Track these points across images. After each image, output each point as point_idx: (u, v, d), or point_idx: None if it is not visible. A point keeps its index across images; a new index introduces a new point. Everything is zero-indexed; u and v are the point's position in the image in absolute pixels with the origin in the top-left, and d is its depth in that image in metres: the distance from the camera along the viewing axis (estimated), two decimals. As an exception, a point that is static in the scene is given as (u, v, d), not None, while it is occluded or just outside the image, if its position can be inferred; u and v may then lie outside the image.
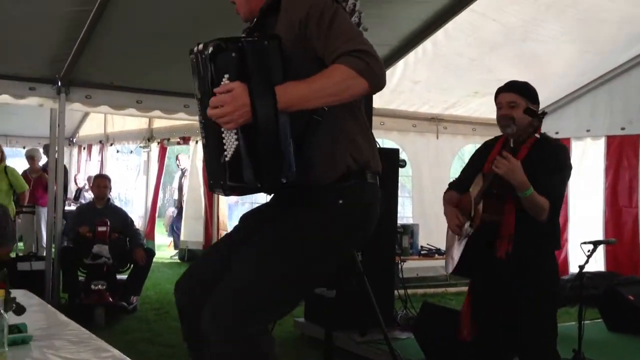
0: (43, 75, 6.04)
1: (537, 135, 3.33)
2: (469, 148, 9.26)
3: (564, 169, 3.54)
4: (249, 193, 2.40)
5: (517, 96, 3.49)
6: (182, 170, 11.69)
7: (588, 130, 7.91)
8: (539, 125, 3.30)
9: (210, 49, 2.08)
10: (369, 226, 2.33)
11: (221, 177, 2.14)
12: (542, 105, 7.89)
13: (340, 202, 2.22)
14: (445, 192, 3.84)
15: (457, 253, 3.66)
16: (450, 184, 3.89)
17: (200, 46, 2.12)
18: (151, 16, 5.35)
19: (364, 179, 2.27)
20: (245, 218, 2.51)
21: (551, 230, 3.50)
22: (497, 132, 3.69)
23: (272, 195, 2.45)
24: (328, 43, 2.12)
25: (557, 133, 7.91)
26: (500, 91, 3.60)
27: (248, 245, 2.27)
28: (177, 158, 12.08)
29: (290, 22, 2.19)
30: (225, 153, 2.10)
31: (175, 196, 12.30)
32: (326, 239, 2.25)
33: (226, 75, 2.07)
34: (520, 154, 3.44)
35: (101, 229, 6.34)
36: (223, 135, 2.10)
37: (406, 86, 7.61)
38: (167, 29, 5.45)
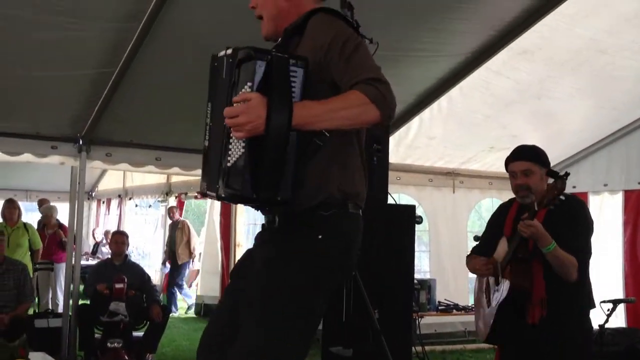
0: (64, 134, 6.16)
1: (563, 197, 3.33)
2: (486, 202, 9.25)
3: (587, 225, 3.52)
4: (242, 202, 2.37)
5: (530, 164, 3.51)
6: (174, 221, 11.37)
7: (605, 185, 7.88)
8: (563, 187, 3.31)
9: (241, 54, 2.10)
10: (351, 257, 2.34)
11: (217, 181, 2.16)
12: (558, 160, 8.01)
13: (320, 237, 2.23)
14: (467, 258, 3.84)
15: (486, 320, 3.62)
16: (473, 250, 3.88)
17: (229, 50, 2.15)
18: (170, 78, 5.47)
19: (345, 209, 2.28)
20: (239, 267, 2.52)
21: (583, 289, 3.46)
22: None
23: (259, 233, 2.47)
24: (347, 70, 2.16)
25: (574, 187, 7.89)
26: (511, 160, 3.60)
27: (247, 306, 2.27)
28: (171, 210, 11.60)
29: (313, 46, 2.23)
30: (229, 158, 2.12)
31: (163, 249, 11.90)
32: (314, 282, 2.25)
33: (249, 84, 2.08)
34: (540, 213, 3.44)
35: (118, 286, 6.36)
36: (230, 141, 2.12)
37: (422, 142, 7.66)
38: (186, 89, 5.56)
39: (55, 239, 9.09)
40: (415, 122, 7.16)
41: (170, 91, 5.70)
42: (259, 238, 2.47)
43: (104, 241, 12.37)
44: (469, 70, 6.16)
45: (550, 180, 3.49)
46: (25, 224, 8.06)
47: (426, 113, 7.02)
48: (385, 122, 2.19)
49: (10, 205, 8.26)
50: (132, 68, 5.22)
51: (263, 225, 2.46)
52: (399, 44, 5.46)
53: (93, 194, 14.36)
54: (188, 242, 10.97)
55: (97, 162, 6.54)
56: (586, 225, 3.52)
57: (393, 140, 6.79)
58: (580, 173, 7.99)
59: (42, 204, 10.16)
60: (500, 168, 8.04)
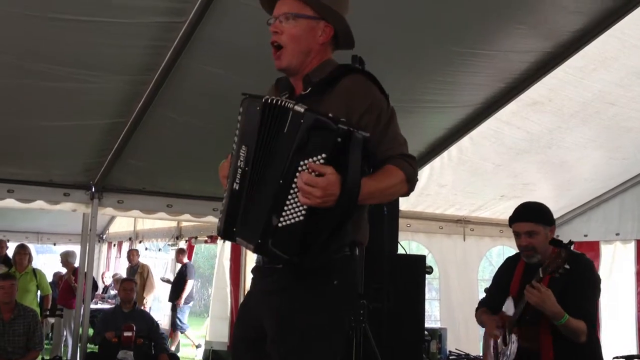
0: (77, 181, 6.21)
1: (567, 266, 3.31)
2: (497, 250, 9.20)
3: (595, 286, 3.51)
4: (281, 262, 2.27)
5: (533, 224, 3.51)
6: (133, 265, 11.07)
7: (617, 234, 7.84)
8: (567, 256, 3.30)
9: (312, 119, 2.10)
10: (356, 296, 2.46)
11: (260, 236, 2.15)
12: (569, 209, 7.97)
13: (335, 282, 2.29)
14: (476, 311, 3.83)
15: None
16: (480, 302, 3.88)
17: (297, 107, 2.13)
18: (182, 128, 5.54)
19: (353, 253, 2.35)
20: (245, 324, 2.49)
21: (591, 349, 3.43)
22: None
23: (258, 274, 2.45)
24: (383, 140, 2.27)
25: (585, 236, 7.88)
26: (515, 220, 3.60)
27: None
28: (131, 253, 11.11)
29: (347, 106, 2.26)
30: (282, 219, 2.12)
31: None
32: (340, 326, 2.36)
33: (323, 155, 2.09)
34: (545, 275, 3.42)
35: (127, 334, 6.35)
36: (288, 200, 2.12)
37: (432, 189, 7.67)
38: (197, 139, 5.63)
39: (68, 285, 9.10)
40: (426, 170, 7.17)
41: (182, 140, 5.76)
42: (261, 281, 2.43)
43: (113, 285, 12.35)
44: (479, 121, 6.20)
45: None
46: (34, 270, 8.09)
47: (437, 161, 7.05)
48: (408, 195, 2.34)
49: (21, 250, 8.30)
50: (145, 118, 5.29)
51: (261, 266, 2.44)
52: (410, 95, 5.52)
53: (104, 236, 14.39)
54: (143, 288, 10.59)
55: (109, 209, 6.58)
56: (594, 288, 3.51)
57: (403, 187, 6.80)
58: (592, 222, 7.96)
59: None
60: (511, 217, 8.15)
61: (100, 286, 12.94)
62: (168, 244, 12.35)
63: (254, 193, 2.21)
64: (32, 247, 11.41)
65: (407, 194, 2.32)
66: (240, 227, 2.25)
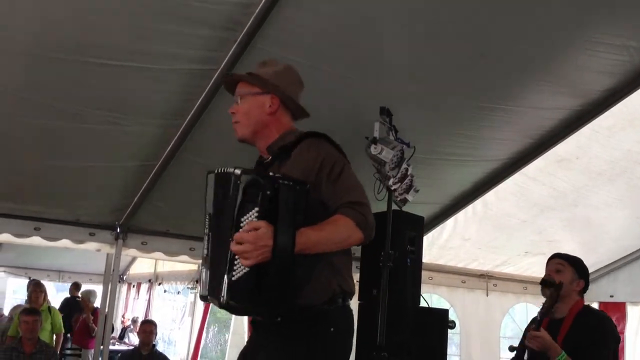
0: (103, 222, 6.26)
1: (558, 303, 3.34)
2: (520, 307, 9.04)
3: (607, 342, 3.49)
4: (243, 314, 2.55)
5: (565, 262, 3.55)
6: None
7: (644, 295, 7.70)
8: (557, 296, 3.36)
9: (248, 179, 2.29)
10: (349, 343, 2.59)
11: (221, 293, 2.30)
12: (595, 268, 7.87)
13: (332, 329, 2.47)
14: None
15: None
16: None
17: (237, 170, 2.32)
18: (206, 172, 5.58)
19: (345, 304, 2.56)
20: None
21: None
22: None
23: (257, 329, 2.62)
24: (334, 191, 2.48)
25: (611, 297, 7.74)
26: (550, 258, 3.66)
27: None
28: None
29: (305, 167, 2.48)
30: (233, 273, 2.28)
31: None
32: None
33: (255, 209, 2.27)
34: (563, 327, 3.43)
35: (145, 377, 6.30)
36: (236, 258, 2.27)
37: (455, 243, 7.61)
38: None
39: (85, 324, 9.09)
40: (450, 223, 7.14)
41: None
42: (255, 335, 2.60)
43: (131, 327, 12.32)
44: (505, 176, 6.18)
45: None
46: (49, 307, 8.11)
47: (461, 214, 7.01)
48: (367, 242, 2.48)
49: (37, 288, 8.36)
50: (173, 162, 5.34)
51: (256, 322, 2.62)
52: (436, 148, 5.54)
53: (124, 277, 14.42)
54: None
55: (133, 249, 6.60)
56: (607, 343, 3.53)
57: (427, 240, 6.76)
58: (618, 282, 7.82)
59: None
60: (535, 273, 8.05)
61: (119, 327, 12.92)
62: (187, 287, 12.33)
63: (214, 255, 2.42)
64: (52, 285, 11.51)
65: (364, 240, 2.44)
66: (209, 289, 2.44)
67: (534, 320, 3.55)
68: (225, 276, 2.28)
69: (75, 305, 9.68)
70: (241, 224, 2.28)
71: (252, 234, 2.23)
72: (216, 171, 2.50)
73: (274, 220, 2.26)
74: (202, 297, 2.54)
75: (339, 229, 2.40)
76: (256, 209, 2.26)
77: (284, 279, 2.30)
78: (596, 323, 3.50)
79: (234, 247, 2.25)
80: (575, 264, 3.66)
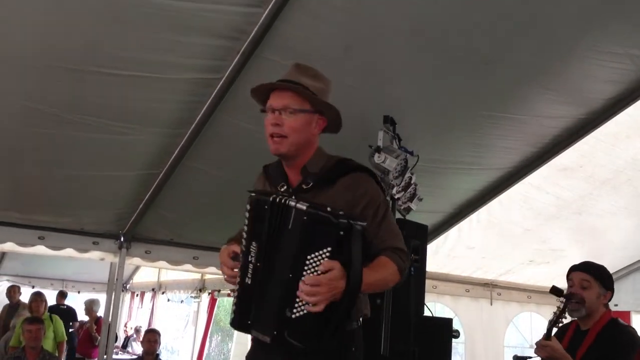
0: (107, 231, 6.26)
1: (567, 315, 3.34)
2: (524, 316, 9.01)
3: (630, 354, 3.43)
4: (292, 349, 2.37)
5: (591, 277, 3.50)
6: (13, 304, 9.84)
7: (649, 304, 7.68)
8: (565, 307, 3.35)
9: (317, 216, 2.25)
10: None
11: (275, 328, 2.28)
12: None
13: (354, 349, 2.51)
14: None
15: None
16: None
17: (300, 204, 2.28)
18: (212, 181, 5.59)
19: (358, 323, 2.59)
20: None
21: None
22: (554, 301, 3.66)
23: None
24: (379, 233, 2.50)
25: (616, 305, 7.69)
26: (573, 269, 3.60)
27: None
28: (12, 290, 9.86)
29: (350, 200, 2.45)
30: (294, 310, 2.25)
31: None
32: None
33: (327, 249, 2.23)
34: (587, 339, 3.40)
35: (148, 386, 6.28)
36: (298, 294, 2.24)
37: (460, 251, 7.60)
38: (226, 193, 5.66)
39: (88, 333, 9.07)
40: (454, 231, 7.13)
41: (211, 193, 5.80)
42: (267, 355, 2.50)
43: (134, 336, 12.30)
44: (509, 184, 6.18)
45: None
46: (50, 316, 8.11)
47: (465, 223, 7.00)
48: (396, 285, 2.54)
49: (37, 297, 8.37)
50: (176, 170, 5.35)
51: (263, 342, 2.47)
52: (440, 157, 5.54)
53: (128, 286, 14.40)
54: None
55: (136, 258, 6.59)
56: (630, 355, 3.44)
57: (430, 248, 6.75)
58: (622, 291, 7.79)
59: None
60: (539, 282, 8.04)
61: (122, 336, 12.89)
62: (191, 296, 12.32)
63: (266, 288, 2.36)
64: (55, 294, 11.48)
65: (397, 284, 2.53)
66: (255, 320, 2.40)
67: (581, 336, 3.51)
68: (287, 311, 2.27)
69: (61, 313, 9.46)
70: (307, 262, 2.25)
71: (326, 276, 2.21)
72: (271, 199, 2.38)
73: (346, 262, 2.24)
74: (241, 328, 2.48)
75: (389, 273, 2.46)
76: (328, 248, 2.23)
77: (346, 317, 2.35)
78: (621, 337, 3.42)
79: (305, 288, 2.21)
80: (601, 277, 3.55)
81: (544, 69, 4.60)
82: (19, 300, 9.93)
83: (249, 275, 2.39)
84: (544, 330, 3.46)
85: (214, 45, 3.98)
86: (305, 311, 2.24)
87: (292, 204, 2.31)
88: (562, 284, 3.74)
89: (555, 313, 3.41)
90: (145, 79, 4.17)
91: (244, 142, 5.02)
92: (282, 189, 2.56)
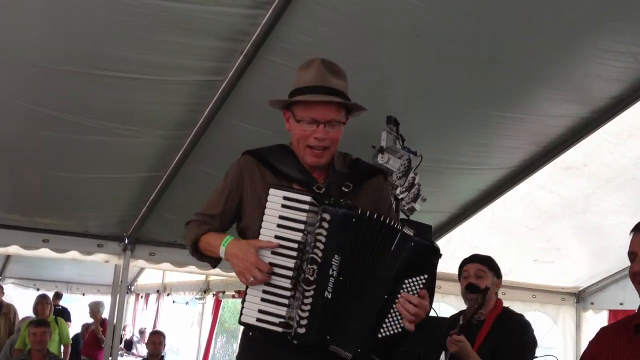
0: (111, 233, 6.28)
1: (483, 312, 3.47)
2: (529, 315, 8.97)
3: (528, 347, 3.52)
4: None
5: (484, 267, 3.58)
6: None
7: (655, 303, 7.63)
8: (483, 301, 3.51)
9: (424, 245, 2.36)
10: None
11: (360, 345, 2.33)
12: (604, 275, 7.84)
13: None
14: None
15: None
16: None
17: (408, 231, 2.34)
18: (216, 183, 5.58)
19: None
20: None
21: None
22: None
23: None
24: None
25: (621, 304, 7.69)
26: (466, 262, 3.86)
27: None
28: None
29: (372, 202, 2.53)
30: (383, 330, 2.34)
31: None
32: None
33: (425, 276, 2.35)
34: (482, 329, 3.47)
35: (153, 388, 6.29)
36: (390, 314, 2.33)
37: (463, 251, 7.56)
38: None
39: (94, 335, 9.09)
40: (457, 231, 7.11)
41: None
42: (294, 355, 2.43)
43: (136, 338, 12.32)
44: (512, 184, 6.16)
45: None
46: (56, 318, 8.14)
47: (469, 223, 6.99)
48: None
49: (43, 300, 8.41)
50: (180, 172, 5.36)
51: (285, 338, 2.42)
52: (443, 157, 5.53)
53: (132, 288, 14.42)
54: (8, 331, 9.09)
55: (141, 260, 6.62)
56: (527, 347, 3.54)
57: (434, 249, 6.74)
58: (628, 290, 7.74)
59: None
60: (544, 281, 8.01)
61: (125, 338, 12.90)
62: (195, 298, 12.33)
63: (352, 304, 2.36)
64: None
65: None
66: (336, 336, 2.36)
67: (453, 322, 3.60)
68: (376, 331, 2.34)
69: (55, 314, 9.38)
70: (405, 285, 2.34)
71: (422, 300, 2.34)
72: (360, 213, 2.34)
73: (431, 287, 2.39)
74: (318, 342, 2.35)
75: None
76: (426, 275, 2.35)
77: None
78: (516, 328, 3.55)
79: (412, 308, 2.31)
80: (492, 267, 3.72)
81: (547, 68, 4.59)
82: (2, 301, 9.69)
83: (329, 289, 2.33)
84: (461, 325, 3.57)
85: (217, 47, 3.99)
86: (393, 331, 2.33)
87: (399, 227, 2.36)
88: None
89: (469, 309, 3.47)
90: (148, 81, 4.18)
91: (247, 144, 4.99)
92: (321, 191, 2.46)
